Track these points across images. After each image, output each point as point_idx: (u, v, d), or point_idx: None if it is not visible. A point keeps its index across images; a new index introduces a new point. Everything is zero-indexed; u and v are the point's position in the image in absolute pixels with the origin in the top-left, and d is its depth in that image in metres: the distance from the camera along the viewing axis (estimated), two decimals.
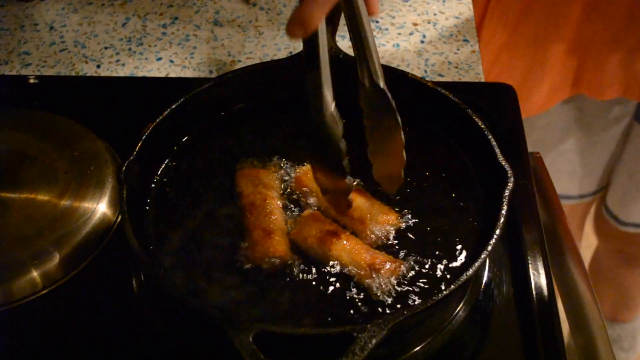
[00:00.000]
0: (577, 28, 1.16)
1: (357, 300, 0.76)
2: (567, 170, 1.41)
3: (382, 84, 0.75)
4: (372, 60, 0.74)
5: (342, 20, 1.09)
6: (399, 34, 1.16)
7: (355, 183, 0.85)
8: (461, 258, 0.79)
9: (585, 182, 1.44)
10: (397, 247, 0.80)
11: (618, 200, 1.42)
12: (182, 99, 0.89)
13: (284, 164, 0.89)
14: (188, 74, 1.10)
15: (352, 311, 0.75)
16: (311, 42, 0.70)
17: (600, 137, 1.35)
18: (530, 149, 0.96)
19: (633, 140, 1.31)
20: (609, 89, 1.20)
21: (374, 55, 0.74)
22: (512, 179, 0.78)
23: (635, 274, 1.66)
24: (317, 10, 0.68)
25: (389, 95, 0.75)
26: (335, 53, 0.94)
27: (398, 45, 1.14)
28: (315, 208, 0.84)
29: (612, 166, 1.40)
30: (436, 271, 0.78)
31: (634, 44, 1.15)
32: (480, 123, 0.86)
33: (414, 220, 0.83)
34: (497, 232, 0.74)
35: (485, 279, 0.82)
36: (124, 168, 0.80)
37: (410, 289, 0.76)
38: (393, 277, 0.76)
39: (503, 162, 0.80)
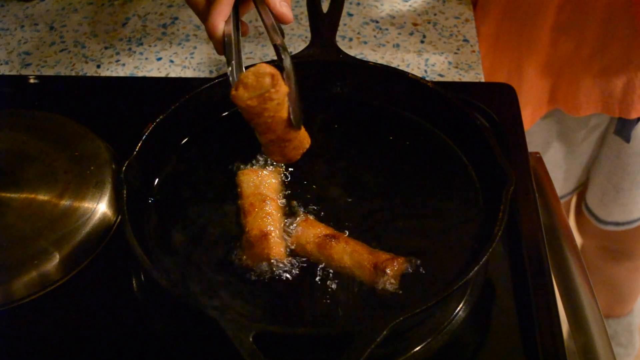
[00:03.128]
0: (549, 49, 1.17)
1: (357, 299, 0.76)
2: None
3: (274, 40, 0.83)
4: (268, 30, 0.83)
5: (342, 21, 1.10)
6: (399, 34, 1.16)
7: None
8: (461, 258, 0.79)
9: (565, 185, 1.45)
10: (397, 247, 0.80)
11: (598, 201, 1.44)
12: (182, 99, 0.89)
13: (285, 166, 0.89)
14: (188, 74, 1.10)
15: (352, 311, 0.75)
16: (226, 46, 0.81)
17: (580, 146, 1.36)
18: None
19: (609, 144, 1.32)
20: (585, 106, 1.21)
21: (268, 23, 0.84)
22: (512, 180, 0.78)
23: (623, 269, 1.67)
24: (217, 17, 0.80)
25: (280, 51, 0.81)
26: (335, 53, 0.95)
27: (398, 45, 1.14)
28: (309, 213, 0.84)
29: (589, 166, 1.42)
30: (436, 271, 0.78)
31: (607, 64, 1.16)
32: (480, 123, 0.86)
33: (414, 220, 0.83)
34: (497, 232, 0.74)
35: (485, 279, 0.82)
36: (124, 168, 0.80)
37: (411, 288, 0.76)
38: (395, 276, 0.76)
39: (503, 163, 0.80)
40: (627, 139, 1.26)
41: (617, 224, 1.44)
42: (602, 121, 1.30)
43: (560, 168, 1.40)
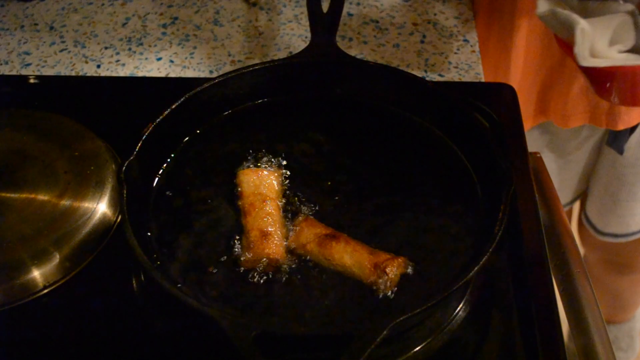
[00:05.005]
0: (538, 57, 1.16)
1: (357, 299, 0.76)
2: None
3: None
4: None
5: (342, 21, 1.10)
6: (399, 34, 1.16)
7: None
8: (461, 258, 0.79)
9: (563, 195, 1.45)
10: (397, 247, 0.80)
11: (596, 211, 1.44)
12: (182, 99, 0.89)
13: (285, 166, 0.89)
14: (188, 74, 1.10)
15: (352, 311, 0.75)
16: None
17: (574, 156, 1.36)
18: None
19: (605, 154, 1.32)
20: (573, 117, 1.20)
21: None
22: (512, 180, 0.78)
23: (626, 280, 1.67)
24: None
25: None
26: (335, 53, 0.95)
27: (398, 45, 1.14)
28: (309, 213, 0.84)
29: (587, 175, 1.41)
30: (437, 271, 0.78)
31: None
32: (480, 123, 0.86)
33: (414, 220, 0.83)
34: (497, 232, 0.74)
35: (485, 279, 0.82)
36: (124, 168, 0.80)
37: (411, 288, 0.76)
38: (396, 276, 0.76)
39: (503, 163, 0.80)
40: (620, 151, 1.26)
41: (615, 235, 1.44)
42: (594, 132, 1.29)
43: (555, 178, 1.40)
